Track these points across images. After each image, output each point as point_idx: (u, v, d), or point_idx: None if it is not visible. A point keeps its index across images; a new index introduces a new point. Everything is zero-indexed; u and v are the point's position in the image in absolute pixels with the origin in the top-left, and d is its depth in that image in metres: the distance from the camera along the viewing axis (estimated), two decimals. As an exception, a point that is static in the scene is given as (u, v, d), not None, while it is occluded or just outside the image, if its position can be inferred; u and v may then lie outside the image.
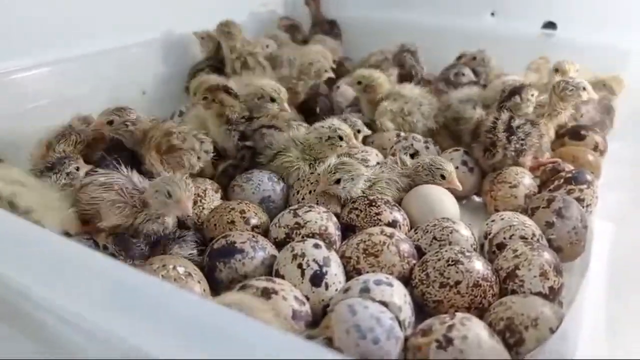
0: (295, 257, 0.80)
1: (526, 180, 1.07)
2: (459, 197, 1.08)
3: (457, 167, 1.11)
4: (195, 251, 0.89)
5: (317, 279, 0.78)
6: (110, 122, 1.03)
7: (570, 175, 1.05)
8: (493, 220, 0.94)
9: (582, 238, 0.92)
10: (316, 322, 0.73)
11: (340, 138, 1.06)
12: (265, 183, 1.03)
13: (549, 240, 0.91)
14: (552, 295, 0.79)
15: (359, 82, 1.33)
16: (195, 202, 0.97)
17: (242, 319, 0.49)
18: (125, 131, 1.04)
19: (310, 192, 1.01)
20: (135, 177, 0.90)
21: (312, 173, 1.05)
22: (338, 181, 0.97)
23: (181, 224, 0.96)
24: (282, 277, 0.79)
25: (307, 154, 1.08)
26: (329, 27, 1.88)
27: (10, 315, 0.62)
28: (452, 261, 0.79)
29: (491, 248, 0.90)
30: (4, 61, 1.15)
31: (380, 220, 0.93)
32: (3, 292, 0.58)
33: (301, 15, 1.94)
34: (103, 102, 1.26)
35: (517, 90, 1.14)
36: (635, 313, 0.69)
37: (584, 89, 1.15)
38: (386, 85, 1.34)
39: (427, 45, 1.66)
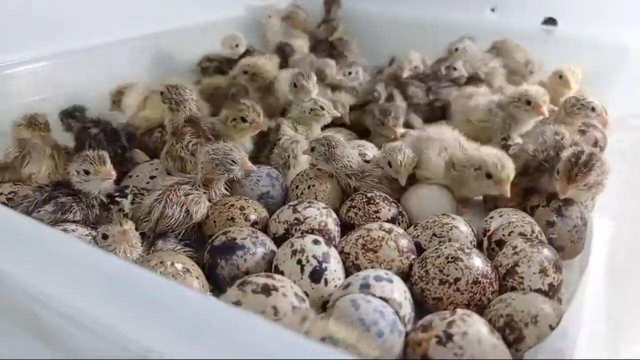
0: (294, 253, 0.80)
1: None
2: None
3: None
4: (178, 245, 0.88)
5: (317, 275, 0.78)
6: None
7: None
8: (492, 217, 0.93)
9: (582, 236, 0.91)
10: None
11: (322, 108, 1.11)
12: (264, 179, 1.03)
13: (549, 240, 0.90)
14: (551, 292, 0.79)
15: (245, 72, 1.33)
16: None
17: (241, 314, 0.49)
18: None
19: (309, 187, 1.01)
20: None
21: (311, 168, 1.05)
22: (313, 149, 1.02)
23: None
24: (282, 273, 0.79)
25: (297, 130, 1.11)
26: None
27: (9, 310, 0.62)
28: (451, 258, 0.79)
29: (490, 245, 0.90)
30: (2, 55, 1.15)
31: (379, 217, 0.93)
32: (2, 288, 0.58)
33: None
34: (101, 96, 1.26)
35: None
36: (635, 309, 0.69)
37: (593, 109, 1.13)
38: (272, 72, 1.35)
39: (426, 41, 1.66)
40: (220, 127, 1.08)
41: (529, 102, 1.12)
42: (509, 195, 0.92)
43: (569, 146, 0.95)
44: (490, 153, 0.96)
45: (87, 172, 0.89)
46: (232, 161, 0.93)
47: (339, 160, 1.01)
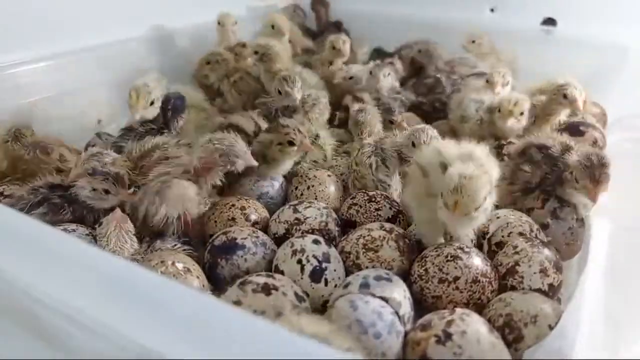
0: (295, 252, 0.80)
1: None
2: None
3: None
4: (177, 244, 0.87)
5: (317, 275, 0.78)
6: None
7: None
8: (489, 220, 0.92)
9: (578, 237, 0.91)
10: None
11: (291, 143, 0.99)
12: (264, 179, 1.03)
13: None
14: (551, 292, 0.79)
15: (256, 52, 1.34)
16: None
17: (241, 314, 0.49)
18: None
19: (308, 187, 1.01)
20: None
21: (310, 169, 1.05)
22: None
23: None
24: (282, 273, 0.79)
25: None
26: (335, 30, 1.87)
27: (9, 310, 0.62)
28: (451, 257, 0.79)
29: (491, 248, 0.89)
30: (3, 55, 1.15)
31: (380, 215, 0.93)
32: (2, 288, 0.58)
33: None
34: (101, 96, 1.27)
35: None
36: (634, 309, 0.69)
37: (565, 96, 1.15)
38: (283, 55, 1.35)
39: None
40: (261, 148, 1.01)
41: (499, 110, 1.14)
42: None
43: (563, 153, 0.95)
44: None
45: (107, 192, 0.88)
46: (236, 155, 0.91)
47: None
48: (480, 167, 0.74)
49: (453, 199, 0.71)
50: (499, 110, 1.14)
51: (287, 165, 1.04)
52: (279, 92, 1.15)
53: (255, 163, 0.94)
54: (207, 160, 0.90)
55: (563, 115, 1.19)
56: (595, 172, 0.87)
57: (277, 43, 1.36)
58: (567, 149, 0.96)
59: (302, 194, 1.01)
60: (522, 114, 1.13)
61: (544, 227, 0.92)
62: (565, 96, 1.16)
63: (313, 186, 1.01)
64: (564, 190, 0.94)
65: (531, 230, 0.88)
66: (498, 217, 0.92)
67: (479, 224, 0.78)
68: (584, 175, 0.88)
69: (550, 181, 0.95)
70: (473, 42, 1.56)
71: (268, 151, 1.00)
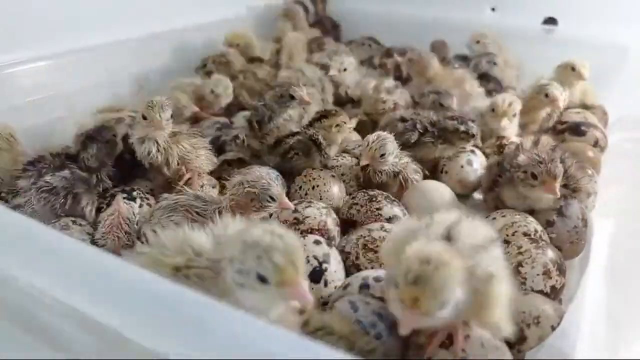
0: (295, 252, 0.79)
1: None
2: (460, 196, 1.08)
3: (462, 167, 1.12)
4: None
5: (317, 276, 0.78)
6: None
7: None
8: (494, 218, 0.93)
9: (582, 237, 0.91)
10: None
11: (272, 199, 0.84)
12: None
13: (549, 239, 0.90)
14: (553, 294, 0.78)
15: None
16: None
17: (242, 314, 0.49)
18: None
19: (313, 187, 1.01)
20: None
21: (313, 169, 1.05)
22: (383, 155, 1.00)
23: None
24: (282, 273, 0.78)
25: None
26: (331, 27, 1.86)
27: (9, 310, 0.62)
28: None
29: (494, 246, 0.89)
30: (3, 55, 1.14)
31: (380, 215, 0.93)
32: (2, 288, 0.58)
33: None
34: (101, 96, 1.26)
35: None
36: (635, 309, 0.69)
37: (546, 95, 1.18)
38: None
39: (427, 41, 1.66)
40: (323, 133, 1.09)
41: (493, 110, 1.18)
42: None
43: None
44: None
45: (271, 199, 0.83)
46: (270, 197, 0.82)
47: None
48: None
49: (411, 293, 0.53)
50: (493, 110, 1.17)
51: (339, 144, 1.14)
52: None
53: (292, 206, 0.86)
54: (237, 204, 0.83)
55: (544, 113, 1.22)
56: (549, 168, 0.88)
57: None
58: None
59: (306, 194, 1.01)
60: (514, 115, 1.17)
61: (550, 224, 0.92)
62: (546, 95, 1.19)
63: (318, 186, 1.01)
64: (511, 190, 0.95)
65: (536, 231, 0.88)
66: (503, 216, 0.92)
67: (441, 321, 0.57)
68: (540, 171, 0.89)
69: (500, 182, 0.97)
70: (477, 42, 1.56)
71: (328, 135, 1.10)
